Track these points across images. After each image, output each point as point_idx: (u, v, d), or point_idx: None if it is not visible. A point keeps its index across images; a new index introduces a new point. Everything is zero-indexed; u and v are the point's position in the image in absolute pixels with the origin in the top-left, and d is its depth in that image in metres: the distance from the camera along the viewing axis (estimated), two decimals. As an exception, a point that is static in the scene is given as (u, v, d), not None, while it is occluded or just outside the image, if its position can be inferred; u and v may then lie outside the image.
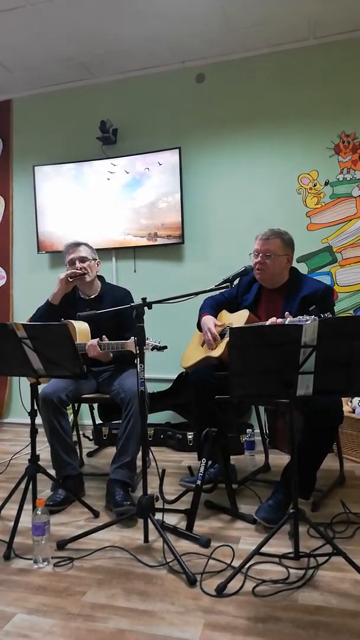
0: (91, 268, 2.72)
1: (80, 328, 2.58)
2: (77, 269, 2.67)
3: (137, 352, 1.98)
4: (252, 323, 2.36)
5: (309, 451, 2.11)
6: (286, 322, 2.00)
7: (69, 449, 2.49)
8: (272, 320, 2.14)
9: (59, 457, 2.46)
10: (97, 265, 2.81)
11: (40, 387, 2.25)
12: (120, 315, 2.53)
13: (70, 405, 2.75)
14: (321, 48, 3.53)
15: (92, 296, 2.78)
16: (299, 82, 3.57)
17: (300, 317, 1.96)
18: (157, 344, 2.19)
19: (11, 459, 3.08)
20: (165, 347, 2.21)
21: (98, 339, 2.46)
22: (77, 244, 2.76)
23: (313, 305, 2.05)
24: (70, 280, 2.65)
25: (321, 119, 3.53)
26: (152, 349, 2.18)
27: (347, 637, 1.44)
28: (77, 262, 2.69)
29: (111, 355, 2.51)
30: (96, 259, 2.80)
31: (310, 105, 3.55)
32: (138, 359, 1.98)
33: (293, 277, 2.49)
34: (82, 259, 2.71)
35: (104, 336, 2.47)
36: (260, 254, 2.41)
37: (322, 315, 1.90)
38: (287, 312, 2.08)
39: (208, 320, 2.53)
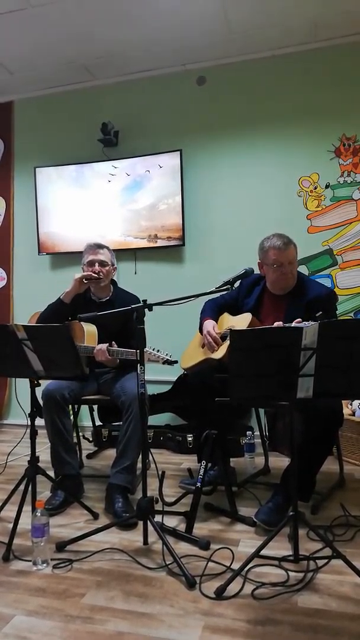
0: (108, 273, 2.73)
1: (89, 330, 2.57)
2: (94, 272, 2.66)
3: (137, 351, 1.98)
4: (255, 327, 2.36)
5: (309, 454, 2.11)
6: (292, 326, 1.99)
7: (69, 448, 2.49)
8: (278, 324, 2.14)
9: (58, 456, 2.46)
10: (114, 270, 2.81)
11: (42, 386, 2.25)
12: (127, 322, 2.53)
13: (70, 407, 2.75)
14: (322, 51, 3.53)
15: (103, 299, 2.77)
16: (300, 85, 3.57)
17: (306, 323, 1.95)
18: (169, 358, 2.20)
19: (7, 459, 3.07)
20: (176, 362, 2.23)
21: (107, 344, 2.45)
22: (100, 246, 2.76)
23: (316, 309, 2.04)
24: (85, 282, 2.64)
25: (322, 121, 3.54)
26: (163, 363, 2.19)
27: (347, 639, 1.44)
28: (96, 265, 2.69)
29: (118, 361, 2.50)
30: (114, 264, 2.80)
31: (311, 108, 3.56)
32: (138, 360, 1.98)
33: (298, 281, 2.48)
34: (102, 263, 2.70)
35: (113, 342, 2.46)
36: (287, 264, 2.38)
37: None
38: (298, 319, 2.04)
39: (208, 324, 2.53)
